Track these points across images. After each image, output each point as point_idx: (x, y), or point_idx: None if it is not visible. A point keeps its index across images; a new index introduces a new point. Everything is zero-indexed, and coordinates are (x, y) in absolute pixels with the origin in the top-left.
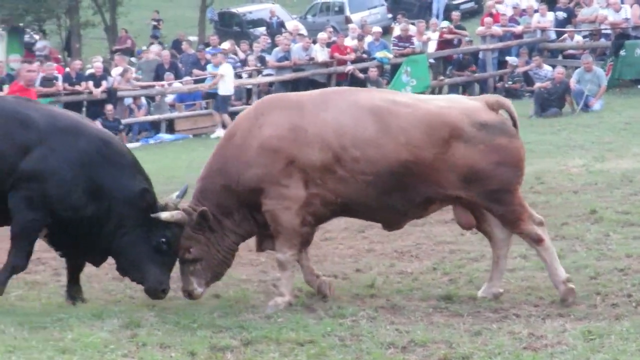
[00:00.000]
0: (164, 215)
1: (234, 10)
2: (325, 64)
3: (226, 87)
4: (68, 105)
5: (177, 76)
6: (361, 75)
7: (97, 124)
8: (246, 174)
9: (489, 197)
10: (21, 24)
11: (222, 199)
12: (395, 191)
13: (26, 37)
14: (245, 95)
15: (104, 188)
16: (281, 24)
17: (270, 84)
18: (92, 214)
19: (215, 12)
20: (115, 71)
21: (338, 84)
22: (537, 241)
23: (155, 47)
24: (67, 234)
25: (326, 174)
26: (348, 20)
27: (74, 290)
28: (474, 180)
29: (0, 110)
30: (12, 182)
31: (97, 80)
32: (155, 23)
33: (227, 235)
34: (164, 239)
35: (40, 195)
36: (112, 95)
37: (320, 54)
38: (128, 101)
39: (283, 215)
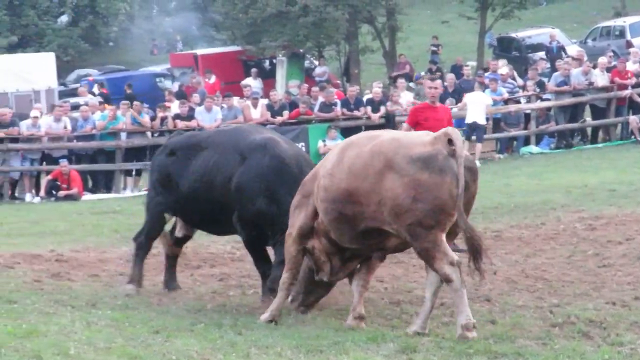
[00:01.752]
0: None
1: (513, 35)
2: (605, 89)
3: (473, 114)
4: (346, 130)
5: (458, 102)
6: None
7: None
8: None
9: (407, 231)
10: (301, 50)
11: None
12: (344, 221)
13: (306, 63)
14: (524, 119)
15: None
16: (561, 49)
17: (549, 109)
18: None
19: (495, 37)
20: (404, 97)
21: (617, 109)
22: (446, 281)
23: None
24: None
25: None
26: (629, 45)
27: None
28: (396, 214)
29: None
30: None
31: (375, 105)
32: (434, 49)
33: None
34: None
35: None
36: (390, 120)
37: (600, 78)
38: (406, 126)
39: None
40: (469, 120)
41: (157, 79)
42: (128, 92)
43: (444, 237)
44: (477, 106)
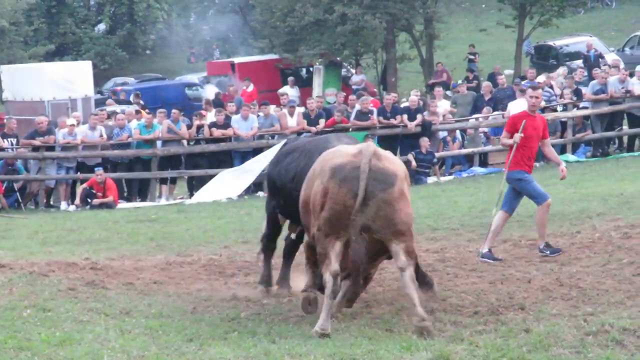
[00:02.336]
0: None
1: (550, 43)
2: None
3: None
4: (383, 139)
5: (495, 109)
6: None
7: None
8: None
9: (315, 234)
10: (338, 58)
11: None
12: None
13: (343, 71)
14: (560, 128)
15: None
16: (599, 57)
17: (586, 117)
18: None
19: (532, 45)
20: (441, 105)
21: None
22: (323, 286)
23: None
24: None
25: None
26: None
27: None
28: (314, 218)
29: None
30: None
31: (412, 113)
32: (472, 57)
33: None
34: None
35: None
36: (426, 129)
37: (638, 86)
38: (442, 134)
39: None
40: None
41: (189, 88)
42: (136, 102)
43: (337, 245)
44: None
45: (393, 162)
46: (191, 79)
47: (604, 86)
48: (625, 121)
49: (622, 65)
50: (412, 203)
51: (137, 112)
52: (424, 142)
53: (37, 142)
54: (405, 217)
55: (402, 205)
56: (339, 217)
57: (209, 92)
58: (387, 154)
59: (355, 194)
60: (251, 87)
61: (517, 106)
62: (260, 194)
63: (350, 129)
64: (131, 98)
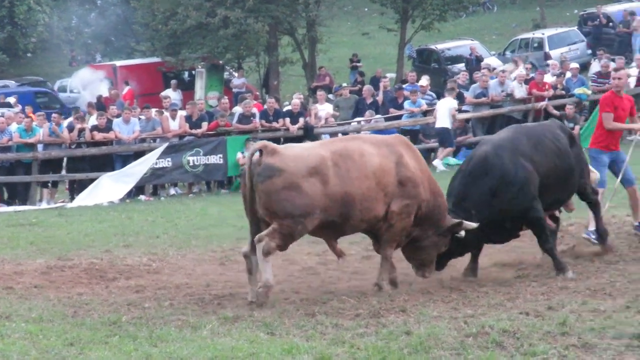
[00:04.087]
0: None
1: (432, 47)
2: (522, 101)
3: (441, 120)
4: None
5: (377, 113)
6: (556, 112)
7: None
8: None
9: None
10: (221, 62)
11: None
12: None
13: (225, 75)
14: None
15: None
16: (480, 61)
17: (467, 121)
18: None
19: (414, 49)
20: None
21: (535, 120)
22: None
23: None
24: None
25: None
26: (547, 57)
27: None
28: None
29: None
30: None
31: (294, 117)
32: (357, 64)
33: None
34: None
35: None
36: (309, 132)
37: (518, 90)
38: (325, 137)
39: None
40: (437, 125)
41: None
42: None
43: (251, 228)
44: (444, 111)
45: (283, 158)
46: (63, 83)
47: (485, 90)
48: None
49: (501, 68)
50: None
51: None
52: None
53: None
54: (289, 207)
55: (285, 196)
56: (244, 206)
57: (87, 95)
58: (287, 150)
59: (244, 185)
60: (126, 90)
61: (442, 104)
62: (142, 197)
63: (233, 133)
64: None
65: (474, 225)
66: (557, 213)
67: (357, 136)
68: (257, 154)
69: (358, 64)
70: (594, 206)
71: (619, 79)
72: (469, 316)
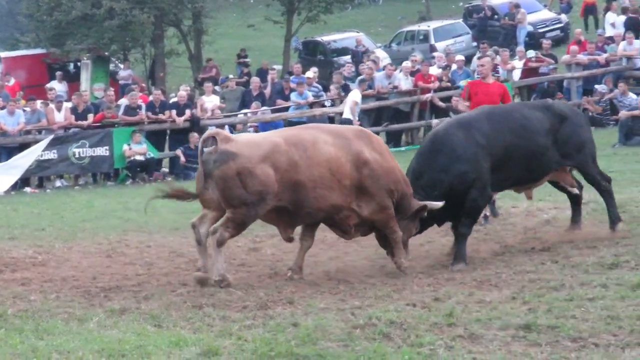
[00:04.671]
0: None
1: (318, 39)
2: (408, 93)
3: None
4: (151, 134)
5: (264, 105)
6: (442, 104)
7: None
8: None
9: None
10: (106, 53)
11: None
12: None
13: (111, 66)
14: (328, 123)
15: None
16: (366, 53)
17: None
18: None
19: (300, 41)
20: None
21: (421, 113)
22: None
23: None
24: None
25: None
26: (433, 49)
27: None
28: None
29: None
30: None
31: (180, 108)
32: (244, 60)
33: None
34: None
35: None
36: (195, 124)
37: (404, 82)
38: (211, 129)
39: None
40: (343, 116)
41: None
42: None
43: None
44: (349, 103)
45: (238, 144)
46: None
47: (372, 82)
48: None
49: (388, 61)
50: None
51: None
52: (193, 137)
53: None
54: (243, 193)
55: (240, 182)
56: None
57: None
58: (240, 137)
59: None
60: (12, 82)
61: (350, 96)
62: (27, 189)
63: (118, 124)
64: None
65: (439, 204)
66: (575, 190)
67: (316, 125)
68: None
69: (245, 60)
70: (603, 194)
71: (482, 65)
72: (356, 308)
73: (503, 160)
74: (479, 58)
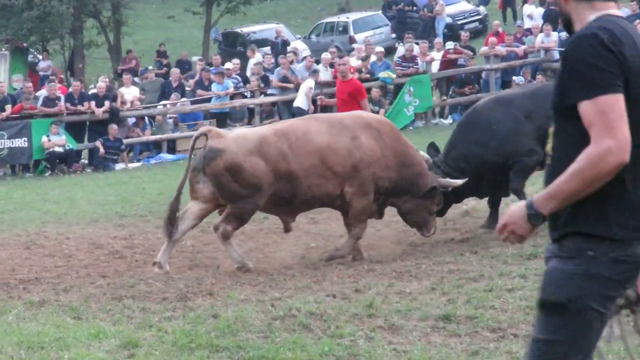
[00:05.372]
0: None
1: (238, 30)
2: (328, 84)
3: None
4: (70, 125)
5: (183, 96)
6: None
7: None
8: None
9: None
10: (25, 44)
11: None
12: None
13: (30, 57)
14: (248, 115)
15: None
16: (286, 44)
17: (273, 104)
18: None
19: (220, 32)
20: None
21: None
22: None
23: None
24: None
25: None
26: (352, 41)
27: None
28: None
29: None
30: None
31: (100, 100)
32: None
33: None
34: None
35: None
36: (114, 115)
37: (324, 74)
38: (131, 121)
39: None
40: (295, 104)
41: None
42: None
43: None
44: (301, 91)
45: (225, 140)
46: None
47: (291, 73)
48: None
49: (308, 52)
50: (99, 190)
51: None
52: (112, 129)
53: None
54: (236, 187)
55: (231, 176)
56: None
57: None
58: (230, 132)
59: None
60: None
61: (304, 85)
62: None
63: (37, 116)
64: None
65: (458, 182)
66: None
67: (315, 115)
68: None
69: (165, 58)
70: None
71: (343, 64)
72: (276, 299)
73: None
74: (340, 57)
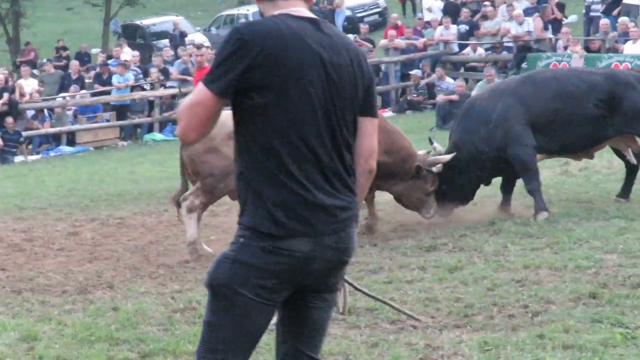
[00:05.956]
0: None
1: (137, 22)
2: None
3: None
4: None
5: (83, 88)
6: None
7: None
8: None
9: None
10: None
11: None
12: None
13: None
14: (148, 107)
15: None
16: (185, 36)
17: (174, 96)
18: None
19: (119, 24)
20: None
21: None
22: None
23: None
24: None
25: None
26: None
27: None
28: None
29: None
30: None
31: None
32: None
33: None
34: None
35: None
36: (13, 108)
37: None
38: (30, 113)
39: None
40: None
41: None
42: None
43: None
44: None
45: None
46: None
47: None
48: None
49: (208, 45)
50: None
51: None
52: (10, 121)
53: None
54: (210, 168)
55: (206, 159)
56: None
57: None
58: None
59: None
60: None
61: None
62: None
63: None
64: None
65: (445, 158)
66: (633, 159)
67: None
68: None
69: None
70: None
71: (201, 55)
72: (177, 292)
73: (545, 124)
74: (197, 48)
